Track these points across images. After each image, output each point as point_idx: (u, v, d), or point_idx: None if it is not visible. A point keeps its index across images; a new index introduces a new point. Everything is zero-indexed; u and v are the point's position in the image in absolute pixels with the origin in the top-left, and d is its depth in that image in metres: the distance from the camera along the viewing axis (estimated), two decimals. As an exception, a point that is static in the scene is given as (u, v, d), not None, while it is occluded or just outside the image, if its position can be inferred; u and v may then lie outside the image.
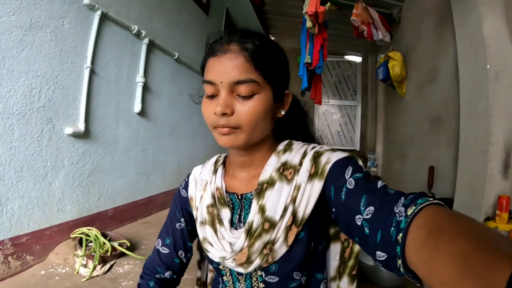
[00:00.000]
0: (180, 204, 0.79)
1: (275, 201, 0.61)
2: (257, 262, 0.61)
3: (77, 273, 1.70)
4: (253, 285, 0.67)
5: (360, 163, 0.60)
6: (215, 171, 0.74)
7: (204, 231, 0.69)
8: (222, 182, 0.72)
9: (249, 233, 0.61)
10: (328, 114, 6.43)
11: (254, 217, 0.62)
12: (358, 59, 6.06)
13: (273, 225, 0.60)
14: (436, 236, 0.33)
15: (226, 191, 0.71)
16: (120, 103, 2.35)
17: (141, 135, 2.65)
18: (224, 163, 0.77)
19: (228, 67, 0.58)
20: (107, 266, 1.79)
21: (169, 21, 2.95)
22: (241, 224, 0.67)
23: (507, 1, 2.02)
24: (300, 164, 0.63)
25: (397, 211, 0.43)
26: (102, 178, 2.22)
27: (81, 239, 1.87)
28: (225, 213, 0.67)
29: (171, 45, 2.96)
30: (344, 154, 0.61)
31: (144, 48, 2.53)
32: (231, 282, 0.71)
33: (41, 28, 1.66)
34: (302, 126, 0.79)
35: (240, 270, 0.64)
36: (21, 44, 1.57)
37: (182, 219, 0.79)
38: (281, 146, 0.69)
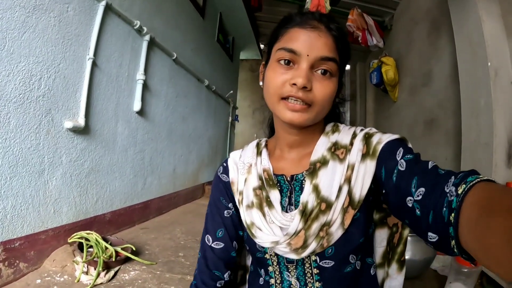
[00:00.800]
0: (224, 189, 0.74)
1: (330, 180, 0.59)
2: (312, 246, 0.58)
3: (78, 281, 1.52)
4: (306, 271, 0.63)
5: (410, 145, 0.59)
6: (259, 153, 0.72)
7: (251, 215, 0.65)
8: (269, 163, 0.69)
9: (304, 214, 0.58)
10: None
11: (308, 197, 0.59)
12: (346, 67, 6.21)
13: (329, 205, 0.58)
14: (489, 213, 0.32)
15: (274, 173, 0.68)
16: (120, 99, 2.21)
17: (139, 135, 2.51)
18: (266, 146, 0.74)
19: (318, 42, 0.58)
20: (112, 272, 1.62)
21: (169, 21, 2.87)
22: (292, 207, 0.64)
23: (504, 7, 2.15)
24: (351, 144, 0.62)
25: (447, 190, 0.42)
26: (100, 178, 2.05)
27: (81, 244, 1.70)
28: (275, 195, 0.64)
29: (170, 45, 2.87)
30: (395, 136, 0.60)
31: (145, 45, 2.42)
32: (277, 272, 0.66)
33: (45, 11, 1.53)
34: (338, 113, 0.78)
35: (293, 256, 0.60)
36: (23, 25, 1.43)
37: (230, 205, 0.73)
38: (328, 127, 0.69)
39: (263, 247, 0.65)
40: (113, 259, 1.67)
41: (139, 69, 2.39)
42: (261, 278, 0.70)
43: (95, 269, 1.56)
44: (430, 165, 0.50)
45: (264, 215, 0.63)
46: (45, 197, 1.63)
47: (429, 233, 0.44)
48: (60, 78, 1.67)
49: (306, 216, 0.58)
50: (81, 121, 1.80)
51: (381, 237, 0.68)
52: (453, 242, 0.38)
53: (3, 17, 1.34)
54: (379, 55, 3.78)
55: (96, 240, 1.72)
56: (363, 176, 0.58)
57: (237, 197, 0.70)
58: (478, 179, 0.38)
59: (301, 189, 0.63)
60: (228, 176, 0.73)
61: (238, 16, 4.61)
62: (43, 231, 1.62)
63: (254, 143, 0.76)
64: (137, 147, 2.47)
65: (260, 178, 0.67)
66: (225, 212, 0.72)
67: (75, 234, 1.76)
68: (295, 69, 0.58)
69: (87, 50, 1.83)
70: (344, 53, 0.63)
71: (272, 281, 0.67)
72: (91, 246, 1.69)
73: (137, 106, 2.36)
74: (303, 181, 0.64)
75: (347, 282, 0.63)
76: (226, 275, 0.71)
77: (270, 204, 0.63)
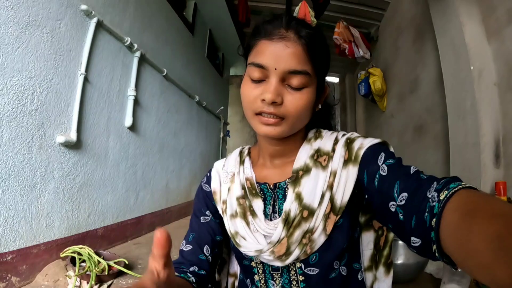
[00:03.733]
0: (203, 199, 0.74)
1: (313, 188, 0.59)
2: (296, 253, 0.58)
3: (71, 295, 1.50)
4: (291, 279, 0.63)
5: (392, 149, 0.59)
6: (242, 162, 0.71)
7: (235, 224, 0.65)
8: (252, 172, 0.68)
9: (287, 222, 0.59)
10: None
11: (291, 205, 0.59)
12: (335, 79, 6.35)
13: (312, 212, 0.58)
14: (470, 218, 0.33)
15: (257, 182, 0.67)
16: (111, 114, 2.24)
17: (131, 150, 2.52)
18: (249, 154, 0.73)
19: (285, 54, 0.55)
20: (105, 286, 1.60)
21: (158, 37, 2.94)
22: (276, 215, 0.63)
23: (483, 11, 2.24)
24: (333, 150, 0.62)
25: (430, 196, 0.42)
26: (92, 193, 2.05)
27: (73, 258, 1.68)
28: (258, 204, 0.63)
29: (160, 61, 2.93)
30: (376, 140, 0.60)
31: (136, 61, 2.48)
32: (263, 281, 0.66)
33: (38, 27, 1.58)
34: (326, 118, 0.77)
35: (277, 263, 0.59)
36: (17, 41, 1.47)
37: (207, 212, 0.73)
38: (311, 134, 0.68)
39: (248, 255, 0.65)
40: (106, 273, 1.65)
41: (130, 84, 2.43)
42: (249, 287, 0.70)
43: (87, 283, 1.54)
44: (412, 170, 0.50)
45: (248, 224, 0.63)
46: (37, 211, 1.63)
47: (412, 238, 0.44)
48: (52, 93, 1.70)
49: (289, 224, 0.58)
50: (73, 136, 1.81)
51: (367, 239, 0.68)
52: (434, 247, 0.39)
53: (-3, 33, 1.38)
54: (366, 67, 3.89)
55: (89, 254, 1.70)
56: (345, 182, 0.58)
57: (220, 206, 0.69)
58: (460, 186, 0.39)
59: (284, 197, 0.63)
60: (210, 186, 0.73)
61: (227, 32, 4.74)
62: (35, 245, 1.61)
63: (237, 151, 0.76)
64: (129, 162, 2.48)
65: (243, 188, 0.66)
66: (202, 218, 0.72)
67: (67, 248, 1.74)
68: (265, 83, 0.57)
69: (78, 65, 1.87)
70: (320, 58, 0.60)
71: None
72: (83, 261, 1.67)
73: (128, 121, 2.39)
74: (286, 189, 0.63)
75: None
76: (191, 268, 0.69)
77: (253, 213, 0.63)
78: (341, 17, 3.78)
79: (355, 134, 0.64)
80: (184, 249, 0.70)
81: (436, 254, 0.39)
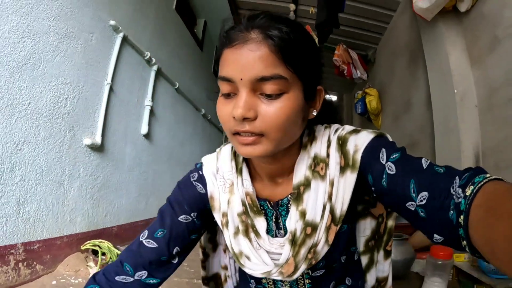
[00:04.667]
0: (192, 197, 0.64)
1: (314, 202, 0.56)
2: (302, 268, 0.56)
3: (92, 283, 1.64)
4: (299, 281, 0.65)
5: (390, 138, 0.55)
6: (239, 171, 0.62)
7: (239, 243, 0.60)
8: (253, 187, 0.61)
9: (293, 242, 0.56)
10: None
11: (296, 224, 0.56)
12: (334, 97, 6.63)
13: (315, 228, 0.55)
14: (495, 216, 0.32)
15: (256, 197, 0.61)
16: (129, 123, 2.42)
17: (144, 157, 2.69)
18: (245, 160, 0.64)
19: (249, 60, 0.47)
20: (122, 276, 1.74)
21: (172, 52, 3.17)
22: (281, 231, 0.61)
23: (468, 41, 2.51)
24: (328, 155, 0.57)
25: (453, 192, 0.40)
26: (109, 194, 2.20)
27: (94, 250, 1.82)
28: (261, 223, 0.59)
29: (173, 75, 3.14)
30: (371, 135, 0.54)
31: (153, 74, 2.69)
32: (271, 283, 0.67)
33: (74, 38, 1.77)
34: (329, 119, 0.68)
35: (286, 279, 0.58)
36: (56, 49, 1.66)
37: (192, 214, 0.64)
38: (305, 139, 0.60)
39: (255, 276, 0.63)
40: (124, 264, 1.78)
41: (147, 96, 2.63)
42: None
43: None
44: (424, 163, 0.47)
45: (250, 241, 0.59)
46: (63, 205, 1.77)
47: (435, 235, 0.43)
48: (82, 99, 1.89)
49: (296, 243, 0.56)
50: (98, 139, 1.99)
51: (364, 226, 0.69)
52: (464, 243, 0.38)
53: (40, 41, 1.57)
54: (363, 87, 4.14)
55: (108, 247, 1.84)
56: (343, 191, 0.55)
57: (219, 218, 0.63)
58: (486, 179, 0.37)
59: (287, 212, 0.60)
60: (204, 188, 0.64)
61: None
62: (59, 237, 1.74)
63: (228, 151, 0.65)
64: (142, 168, 2.64)
65: (244, 204, 0.60)
66: (182, 217, 0.63)
67: (88, 242, 1.88)
68: (236, 97, 0.49)
69: (105, 75, 2.07)
70: (300, 57, 0.50)
71: None
72: (103, 253, 1.81)
73: (144, 129, 2.57)
74: (289, 205, 0.60)
75: (337, 275, 0.67)
76: (137, 275, 0.60)
77: (257, 233, 0.59)
78: (341, 40, 4.06)
79: (346, 129, 0.58)
80: (145, 243, 0.61)
81: (467, 249, 0.38)
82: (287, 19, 0.52)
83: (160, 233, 0.61)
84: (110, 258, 1.74)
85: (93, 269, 1.69)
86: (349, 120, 5.84)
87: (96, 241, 1.88)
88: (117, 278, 0.60)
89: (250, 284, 0.70)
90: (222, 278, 0.80)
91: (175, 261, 0.64)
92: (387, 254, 0.70)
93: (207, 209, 0.64)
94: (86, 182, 1.95)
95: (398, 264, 1.85)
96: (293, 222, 0.56)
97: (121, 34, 2.16)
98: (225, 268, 0.79)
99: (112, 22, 2.06)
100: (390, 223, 0.69)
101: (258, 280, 0.68)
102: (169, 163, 3.20)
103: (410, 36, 3.46)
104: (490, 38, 2.33)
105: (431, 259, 1.51)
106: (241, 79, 0.47)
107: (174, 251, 0.62)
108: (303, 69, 0.50)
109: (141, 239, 0.62)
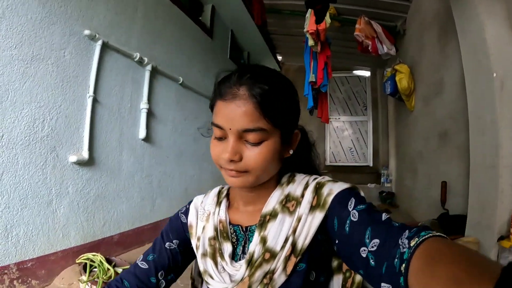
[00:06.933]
0: (176, 227, 0.78)
1: (277, 232, 0.62)
2: None
3: (80, 299, 1.69)
4: None
5: (362, 194, 0.61)
6: (218, 203, 0.74)
7: (205, 263, 0.69)
8: (226, 215, 0.72)
9: (250, 263, 0.62)
10: (339, 131, 6.37)
11: (255, 247, 0.63)
12: (366, 73, 6.04)
13: (273, 255, 0.61)
14: (433, 263, 0.36)
15: (230, 223, 0.71)
16: (123, 130, 2.40)
17: (146, 161, 2.68)
18: (227, 196, 0.77)
19: (237, 114, 0.58)
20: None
21: (171, 47, 3.06)
22: (245, 256, 0.66)
23: (510, 7, 1.96)
24: (302, 195, 0.64)
25: (401, 243, 0.45)
26: (107, 204, 2.24)
27: (85, 264, 1.87)
28: (227, 247, 0.67)
29: (175, 70, 3.05)
30: (346, 185, 0.62)
31: (147, 75, 2.61)
32: None
33: (42, 60, 1.75)
34: (307, 160, 0.78)
35: None
36: (23, 76, 1.65)
37: (174, 241, 0.76)
38: (284, 179, 0.70)
39: None
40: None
41: (142, 98, 2.58)
42: None
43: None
44: (384, 217, 0.52)
45: (216, 264, 0.67)
46: (53, 223, 1.84)
47: (382, 284, 0.46)
48: (62, 118, 1.88)
49: (252, 265, 0.62)
50: (84, 154, 2.00)
51: (338, 282, 0.69)
52: None
53: (3, 73, 1.57)
54: (393, 63, 3.63)
55: (100, 261, 1.89)
56: (309, 227, 0.60)
57: (194, 242, 0.73)
58: (430, 234, 0.42)
59: None
60: (186, 218, 0.77)
61: (250, 32, 4.74)
62: (53, 253, 1.83)
63: (216, 190, 0.79)
64: (144, 172, 2.64)
65: (216, 229, 0.70)
66: (167, 244, 0.76)
67: (82, 255, 1.95)
68: (226, 141, 0.61)
69: (86, 88, 2.04)
70: (278, 111, 0.60)
71: None
72: (96, 267, 1.86)
73: (142, 133, 2.55)
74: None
75: None
76: None
77: (222, 256, 0.67)
78: (362, 11, 3.55)
79: (326, 178, 0.66)
80: (139, 264, 0.75)
81: None
82: (269, 76, 0.63)
83: (151, 256, 0.74)
84: (97, 274, 1.78)
85: (84, 283, 1.74)
86: (384, 98, 5.29)
87: (90, 255, 1.94)
88: None
89: None
90: None
91: (163, 285, 0.75)
92: None
93: (187, 239, 0.75)
94: (78, 197, 1.99)
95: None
96: (253, 245, 0.63)
97: (99, 42, 2.08)
98: None
99: (86, 32, 2.00)
100: (358, 278, 0.69)
101: None
102: (178, 162, 3.19)
103: (439, 4, 2.87)
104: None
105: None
106: (230, 129, 0.59)
107: (159, 274, 0.74)
108: (281, 121, 0.62)
109: (137, 262, 0.75)
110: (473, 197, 2.02)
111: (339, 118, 6.30)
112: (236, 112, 0.58)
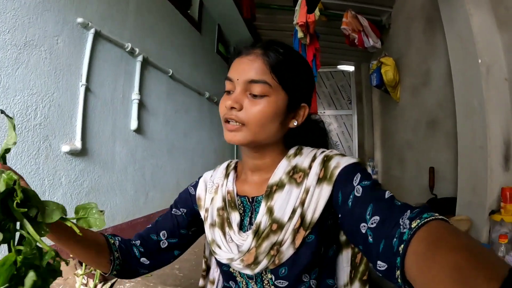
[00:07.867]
0: (185, 199, 0.82)
1: (284, 203, 0.63)
2: (264, 263, 0.62)
3: (77, 293, 1.64)
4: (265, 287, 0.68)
5: (369, 170, 0.61)
6: (226, 175, 0.77)
7: (213, 233, 0.71)
8: (234, 185, 0.74)
9: (257, 233, 0.63)
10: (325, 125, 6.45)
11: (262, 218, 0.63)
12: (351, 68, 6.16)
13: (281, 226, 0.61)
14: (434, 248, 0.35)
15: (237, 195, 0.73)
16: (116, 121, 2.34)
17: (139, 153, 2.63)
18: (235, 168, 0.80)
19: (246, 66, 0.64)
20: (108, 284, 1.73)
21: (162, 40, 3.01)
22: (251, 227, 0.67)
23: (493, -1, 2.07)
24: (310, 167, 0.65)
25: (401, 223, 0.44)
26: (100, 196, 2.18)
27: (80, 258, 1.82)
28: (235, 217, 0.69)
29: (165, 63, 3.00)
30: (353, 160, 0.63)
31: (138, 66, 2.55)
32: (244, 283, 0.71)
33: (35, 46, 1.67)
34: (314, 135, 0.80)
35: (247, 271, 0.64)
36: (16, 62, 1.57)
37: (181, 209, 0.80)
38: (291, 151, 0.72)
39: (222, 263, 0.70)
40: (110, 272, 1.77)
41: (134, 89, 2.52)
42: None
43: (93, 281, 1.67)
44: (387, 194, 0.52)
45: (224, 234, 0.68)
46: (46, 216, 1.76)
47: (378, 262, 0.46)
48: (55, 107, 1.81)
49: (259, 235, 0.62)
50: (78, 144, 1.93)
51: (347, 257, 0.71)
52: (397, 272, 0.40)
53: (-4, 58, 1.48)
54: (379, 56, 3.73)
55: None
56: (317, 199, 0.61)
57: (202, 213, 0.76)
58: (433, 217, 0.41)
59: None
60: (195, 190, 0.81)
61: (237, 26, 4.71)
62: (46, 248, 1.75)
63: (225, 164, 0.82)
64: (137, 164, 2.59)
65: (224, 200, 0.72)
66: (173, 210, 0.81)
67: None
68: (232, 94, 0.65)
69: (79, 77, 1.97)
70: (288, 74, 0.64)
71: None
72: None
73: (133, 125, 2.49)
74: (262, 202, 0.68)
75: None
76: (132, 241, 0.79)
77: (230, 225, 0.68)
78: (349, 6, 3.63)
79: (334, 152, 0.67)
80: (148, 226, 0.82)
81: (399, 280, 0.40)
82: (287, 48, 0.67)
83: (157, 220, 0.82)
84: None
85: (79, 277, 1.68)
86: (368, 92, 5.42)
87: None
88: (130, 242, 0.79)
89: None
90: None
91: (163, 246, 0.78)
92: (364, 285, 0.70)
93: (195, 210, 0.79)
94: (71, 189, 1.93)
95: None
96: (260, 215, 0.64)
97: (92, 30, 2.02)
98: (212, 282, 0.85)
99: (79, 20, 1.93)
100: None
101: (235, 281, 0.74)
102: (170, 155, 3.14)
103: (425, -5, 2.98)
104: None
105: None
106: (237, 79, 0.64)
107: (161, 233, 0.78)
108: (288, 83, 0.65)
109: (148, 226, 0.82)
110: (462, 178, 2.10)
111: (324, 113, 6.39)
112: (246, 65, 0.64)
